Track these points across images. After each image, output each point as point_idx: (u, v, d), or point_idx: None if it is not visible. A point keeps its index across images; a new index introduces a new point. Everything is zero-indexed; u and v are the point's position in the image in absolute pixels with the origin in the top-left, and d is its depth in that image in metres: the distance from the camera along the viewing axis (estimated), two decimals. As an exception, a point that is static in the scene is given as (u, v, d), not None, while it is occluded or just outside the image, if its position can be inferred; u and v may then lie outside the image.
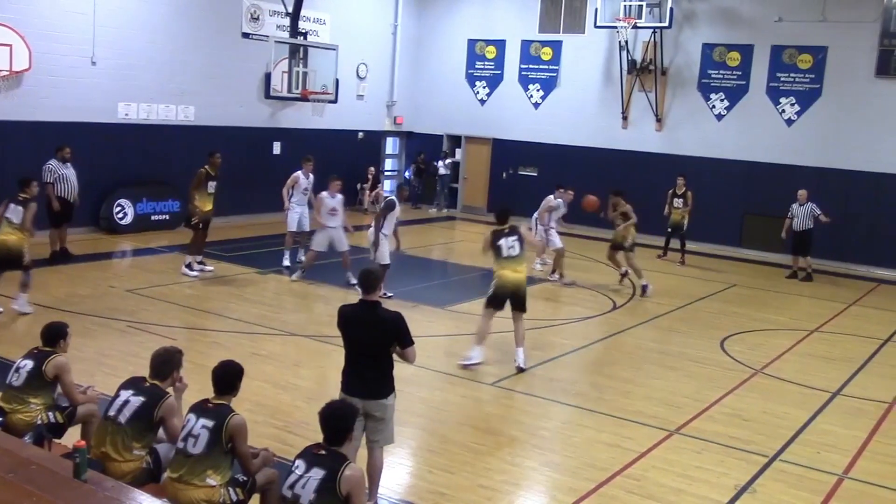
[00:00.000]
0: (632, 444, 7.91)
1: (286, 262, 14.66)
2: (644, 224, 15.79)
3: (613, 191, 15.29)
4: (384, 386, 6.03)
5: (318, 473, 4.67)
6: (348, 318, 6.05)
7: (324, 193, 13.62)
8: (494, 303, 10.02)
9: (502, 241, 9.86)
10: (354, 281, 13.78)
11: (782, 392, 9.83)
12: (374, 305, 5.99)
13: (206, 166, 13.57)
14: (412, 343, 6.01)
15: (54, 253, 13.96)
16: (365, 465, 6.10)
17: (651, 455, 7.68)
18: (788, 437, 8.36)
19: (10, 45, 14.87)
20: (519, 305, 10.00)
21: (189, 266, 13.57)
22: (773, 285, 16.38)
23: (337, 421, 4.90)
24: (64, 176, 13.93)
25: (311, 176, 14.67)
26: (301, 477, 4.70)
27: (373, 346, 5.97)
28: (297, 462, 4.80)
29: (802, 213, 16.60)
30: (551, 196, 15.67)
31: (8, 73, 14.96)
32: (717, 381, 10.00)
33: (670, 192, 17.46)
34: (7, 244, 10.52)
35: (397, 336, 5.97)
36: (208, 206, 13.57)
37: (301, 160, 14.83)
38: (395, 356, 6.07)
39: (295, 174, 14.53)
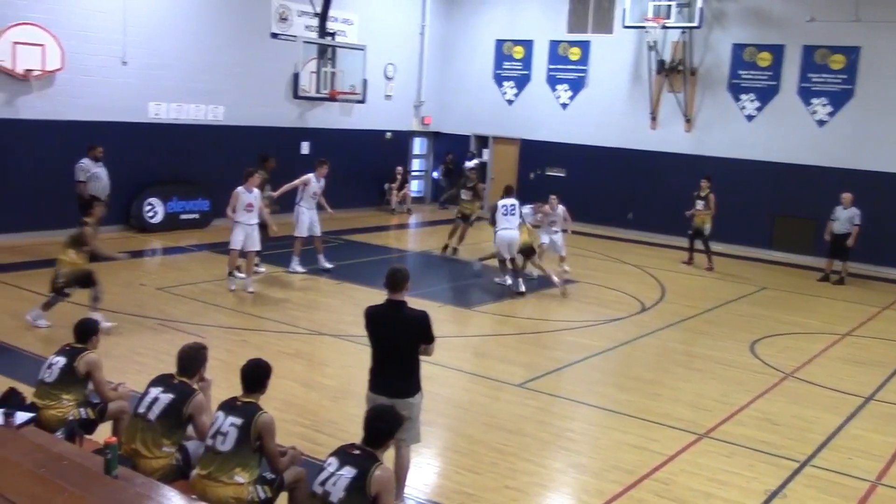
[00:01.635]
0: (659, 446, 7.85)
1: (300, 269, 14.24)
2: (672, 227, 15.72)
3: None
4: (411, 385, 6.05)
5: (349, 472, 4.68)
6: (375, 318, 6.06)
7: (240, 189, 12.66)
8: None
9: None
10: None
11: (813, 396, 9.71)
12: (401, 305, 6.00)
13: (262, 171, 13.62)
14: (433, 340, 6.07)
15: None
16: (392, 465, 6.11)
17: (679, 458, 7.62)
18: (819, 442, 8.25)
19: (42, 45, 15.06)
20: None
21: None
22: (803, 288, 16.20)
23: (382, 425, 4.96)
24: (96, 175, 14.07)
25: (323, 180, 14.22)
26: (332, 474, 4.71)
27: (400, 345, 5.98)
28: (330, 459, 4.82)
29: (844, 217, 16.39)
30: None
31: (41, 72, 15.14)
32: (747, 385, 9.90)
33: (695, 193, 17.27)
34: (75, 266, 10.22)
35: (423, 334, 5.99)
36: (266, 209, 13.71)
37: (315, 162, 14.46)
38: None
39: (307, 175, 14.12)
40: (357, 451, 4.80)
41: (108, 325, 9.95)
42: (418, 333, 5.98)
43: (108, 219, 15.02)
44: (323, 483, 4.72)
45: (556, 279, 14.17)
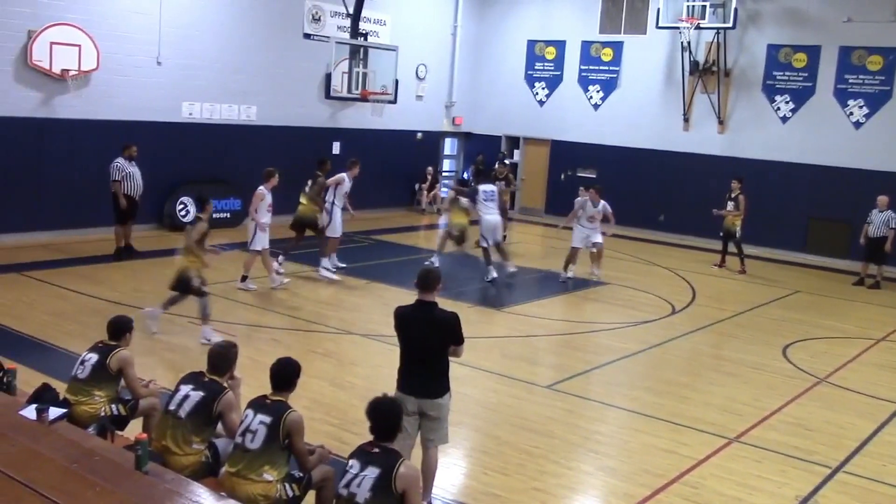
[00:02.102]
0: (689, 450, 7.79)
1: (338, 265, 14.37)
2: (704, 229, 15.59)
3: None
4: (440, 386, 6.05)
5: (372, 472, 4.68)
6: (405, 319, 6.07)
7: (265, 189, 12.61)
8: None
9: None
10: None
11: (847, 402, 9.58)
12: (432, 306, 6.00)
13: (319, 173, 13.88)
14: (463, 341, 6.08)
15: (119, 249, 14.27)
16: (420, 465, 6.11)
17: (709, 462, 7.55)
18: (853, 448, 8.14)
19: (79, 46, 15.26)
20: None
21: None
22: (838, 292, 15.98)
23: (385, 417, 4.94)
24: (131, 174, 14.22)
25: (352, 181, 14.18)
26: (356, 476, 4.72)
27: (429, 345, 5.99)
28: (352, 461, 4.82)
29: (879, 220, 16.14)
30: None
31: (77, 72, 15.35)
32: (779, 389, 9.79)
33: (727, 195, 17.04)
34: (179, 269, 10.10)
35: (453, 335, 5.98)
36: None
37: (347, 163, 14.34)
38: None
39: (340, 175, 14.02)
40: (377, 450, 4.80)
41: (214, 337, 9.61)
42: (448, 334, 5.98)
43: (141, 217, 15.22)
44: (347, 485, 4.73)
45: (511, 267, 14.52)
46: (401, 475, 4.66)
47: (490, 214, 14.33)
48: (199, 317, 10.09)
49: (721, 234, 17.18)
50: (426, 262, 13.88)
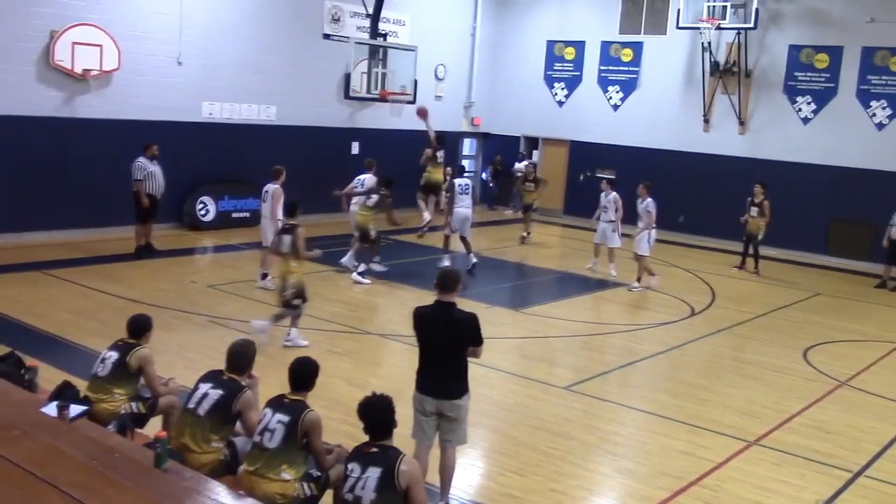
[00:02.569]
0: (708, 453, 7.74)
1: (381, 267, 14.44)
2: (724, 230, 15.52)
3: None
4: (458, 386, 6.04)
5: (374, 472, 4.69)
6: (424, 319, 6.07)
7: (279, 187, 12.77)
8: None
9: None
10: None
11: (868, 405, 9.49)
12: (451, 306, 6.00)
13: (386, 192, 14.16)
14: (482, 342, 6.05)
15: (139, 248, 14.37)
16: (438, 465, 6.11)
17: (728, 465, 7.51)
18: (874, 452, 8.07)
19: (100, 46, 15.38)
20: None
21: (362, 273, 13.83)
22: (860, 295, 15.84)
23: (377, 415, 4.96)
24: (152, 173, 14.27)
25: None
26: (359, 479, 4.72)
27: (448, 346, 5.97)
28: (351, 465, 4.82)
29: None
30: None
31: (99, 72, 15.46)
32: (799, 392, 9.72)
33: (749, 199, 16.81)
34: (299, 276, 10.03)
35: (472, 336, 5.97)
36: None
37: (366, 162, 15.05)
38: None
39: (366, 176, 14.44)
40: (375, 449, 4.81)
41: (303, 343, 9.85)
42: (467, 335, 5.97)
43: (161, 217, 15.30)
44: (352, 489, 4.73)
45: (472, 258, 14.99)
46: (402, 472, 4.66)
47: (462, 207, 14.98)
48: (281, 322, 10.00)
49: (744, 237, 16.98)
50: (438, 265, 13.87)
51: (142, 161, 14.17)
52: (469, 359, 6.10)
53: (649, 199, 14.55)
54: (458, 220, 14.98)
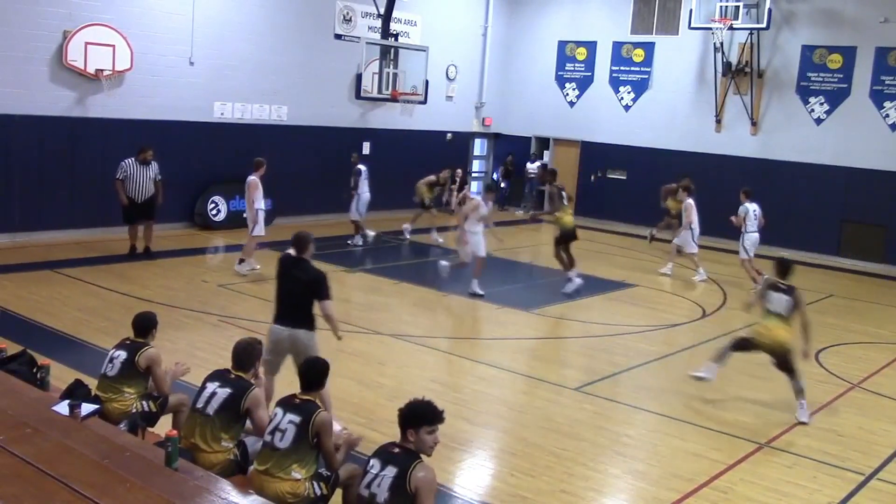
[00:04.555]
0: (719, 455, 7.72)
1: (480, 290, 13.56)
2: (735, 232, 15.46)
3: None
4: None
5: (391, 471, 4.69)
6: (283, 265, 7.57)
7: (258, 178, 13.78)
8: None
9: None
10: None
11: (881, 408, 9.44)
12: (302, 261, 7.47)
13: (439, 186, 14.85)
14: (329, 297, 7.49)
15: (133, 248, 14.23)
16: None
17: (739, 468, 7.48)
18: (887, 455, 8.02)
19: (113, 46, 15.44)
20: None
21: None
22: (872, 296, 15.75)
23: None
24: (132, 175, 13.90)
25: None
26: (376, 476, 4.73)
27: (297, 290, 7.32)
28: (373, 461, 4.83)
29: None
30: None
31: (111, 72, 15.52)
32: (811, 394, 9.63)
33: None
34: None
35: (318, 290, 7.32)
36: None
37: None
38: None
39: (477, 200, 13.91)
40: (397, 450, 4.81)
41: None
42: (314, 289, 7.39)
43: (172, 216, 15.36)
44: (368, 485, 4.74)
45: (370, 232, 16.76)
46: (414, 476, 4.65)
47: (365, 192, 16.59)
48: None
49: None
50: (440, 264, 13.72)
51: (126, 162, 13.92)
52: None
53: (689, 200, 15.63)
54: (363, 204, 16.62)
